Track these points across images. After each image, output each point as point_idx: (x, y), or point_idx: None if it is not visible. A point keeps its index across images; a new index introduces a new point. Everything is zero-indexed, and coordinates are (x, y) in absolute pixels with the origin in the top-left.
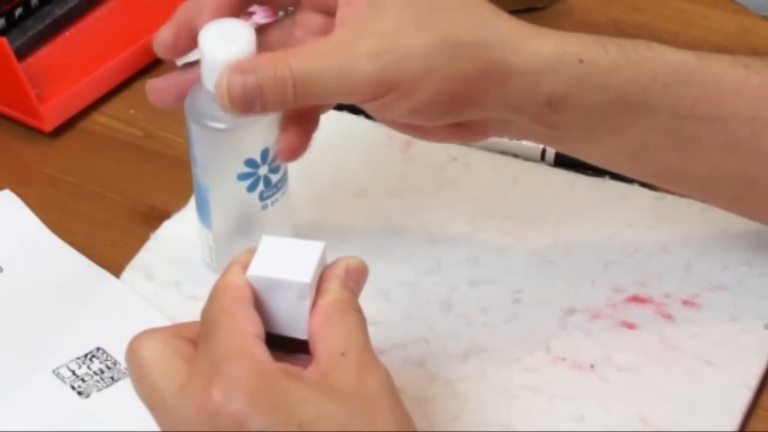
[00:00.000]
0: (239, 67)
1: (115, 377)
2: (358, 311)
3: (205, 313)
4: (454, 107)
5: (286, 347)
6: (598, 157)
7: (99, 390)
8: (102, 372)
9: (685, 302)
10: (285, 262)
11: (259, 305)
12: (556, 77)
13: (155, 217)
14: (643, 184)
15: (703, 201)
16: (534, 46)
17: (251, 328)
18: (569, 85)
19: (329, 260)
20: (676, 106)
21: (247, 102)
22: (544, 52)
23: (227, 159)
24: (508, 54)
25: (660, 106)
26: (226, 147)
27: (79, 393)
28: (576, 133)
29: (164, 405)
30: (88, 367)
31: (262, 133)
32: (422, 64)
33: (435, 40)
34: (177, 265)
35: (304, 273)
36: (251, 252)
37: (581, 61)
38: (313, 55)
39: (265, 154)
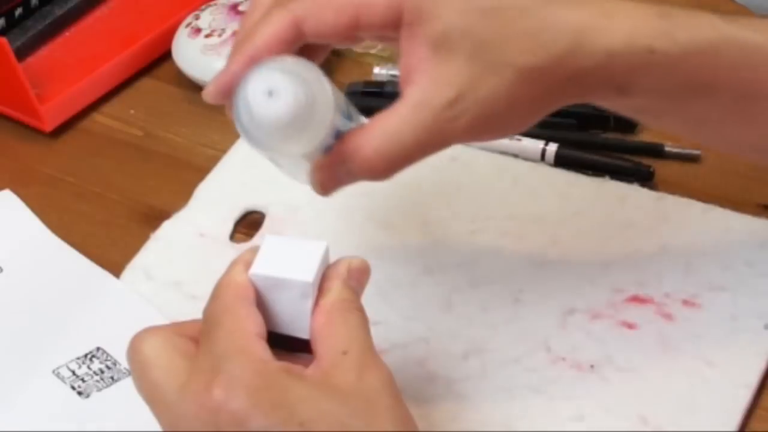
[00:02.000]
0: (323, 167)
1: (115, 377)
2: (360, 310)
3: (207, 311)
4: (539, 115)
5: (287, 346)
6: (657, 125)
7: (99, 390)
8: (102, 372)
9: (685, 302)
10: (288, 262)
11: (261, 304)
12: (627, 68)
13: (155, 217)
14: (643, 184)
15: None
16: (606, 41)
17: (253, 327)
18: (638, 73)
19: (331, 260)
20: (743, 87)
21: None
22: (616, 46)
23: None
24: (582, 59)
25: (726, 88)
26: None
27: (79, 393)
28: (640, 109)
29: (165, 403)
30: (88, 367)
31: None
32: (508, 102)
33: (511, 77)
34: (177, 265)
35: (307, 272)
36: (254, 251)
37: (652, 52)
38: (391, 132)
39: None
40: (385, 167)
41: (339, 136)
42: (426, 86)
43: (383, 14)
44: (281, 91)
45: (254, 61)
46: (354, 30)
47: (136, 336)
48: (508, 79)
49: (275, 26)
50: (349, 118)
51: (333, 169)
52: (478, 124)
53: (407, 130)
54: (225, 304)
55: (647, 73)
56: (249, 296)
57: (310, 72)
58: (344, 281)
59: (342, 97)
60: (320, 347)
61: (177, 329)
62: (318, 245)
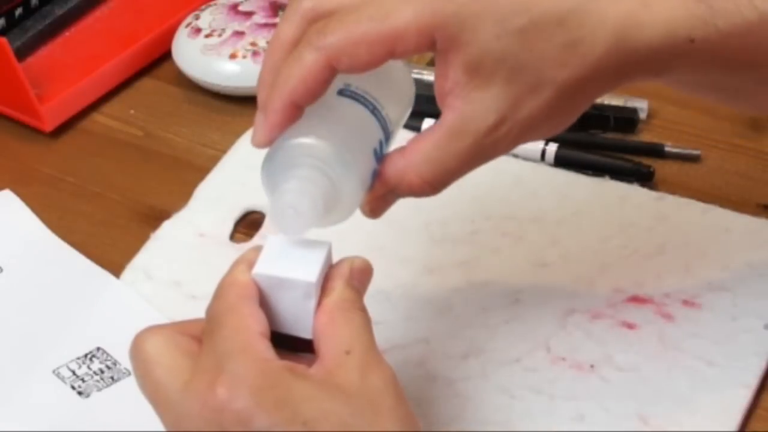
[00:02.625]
0: (371, 200)
1: (115, 377)
2: (363, 310)
3: (210, 310)
4: (579, 113)
5: (290, 346)
6: (690, 95)
7: (99, 390)
8: (102, 372)
9: (685, 302)
10: (291, 261)
11: (264, 304)
12: (667, 57)
13: (155, 217)
14: (643, 184)
15: None
16: (646, 37)
17: (256, 326)
18: (677, 61)
19: (332, 261)
20: None
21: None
22: (656, 41)
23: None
24: (622, 58)
25: (764, 64)
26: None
27: (79, 393)
28: (675, 83)
29: (168, 402)
30: (88, 367)
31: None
32: (550, 115)
33: (552, 93)
34: (177, 265)
35: (310, 272)
36: (256, 250)
37: (692, 41)
38: (434, 159)
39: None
40: (432, 189)
41: (377, 173)
42: (465, 112)
43: (416, 43)
44: (304, 209)
45: (294, 107)
46: (388, 59)
47: (139, 335)
48: (548, 96)
49: (309, 69)
50: (387, 136)
51: (381, 199)
52: (521, 139)
53: (450, 157)
54: (228, 302)
55: (686, 60)
56: (252, 295)
57: (334, 165)
58: (347, 281)
59: (375, 126)
60: (323, 347)
61: (179, 328)
62: (321, 245)
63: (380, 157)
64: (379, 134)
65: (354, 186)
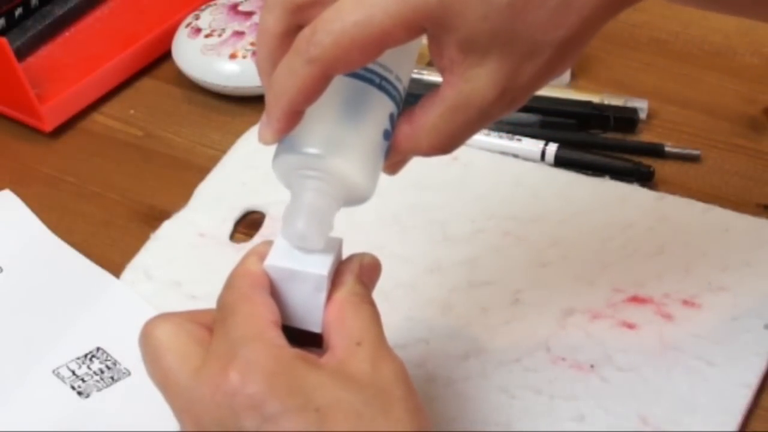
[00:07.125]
0: (387, 167)
1: (115, 377)
2: (372, 304)
3: (222, 299)
4: (579, 55)
5: (297, 341)
6: (683, 4)
7: (99, 390)
8: (102, 372)
9: (685, 302)
10: (302, 254)
11: (274, 296)
12: None
13: (155, 217)
14: (643, 184)
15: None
16: None
17: (269, 315)
18: None
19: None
20: None
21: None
22: None
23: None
24: (618, 2)
25: None
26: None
27: (79, 393)
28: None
29: (178, 388)
30: (88, 367)
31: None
32: (552, 71)
33: (550, 54)
34: (177, 265)
35: (322, 265)
36: (268, 243)
37: None
38: (440, 130)
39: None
40: (445, 152)
41: (389, 148)
42: (464, 90)
43: (407, 36)
44: (314, 233)
45: (296, 113)
46: (383, 53)
47: (149, 322)
48: (546, 57)
49: (305, 81)
50: (399, 102)
51: (398, 162)
52: (525, 99)
53: (457, 127)
54: (241, 291)
55: None
56: (264, 285)
57: (340, 173)
58: (357, 276)
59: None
60: (334, 338)
61: (190, 316)
62: (332, 240)
63: (391, 132)
64: (390, 107)
65: (364, 180)
